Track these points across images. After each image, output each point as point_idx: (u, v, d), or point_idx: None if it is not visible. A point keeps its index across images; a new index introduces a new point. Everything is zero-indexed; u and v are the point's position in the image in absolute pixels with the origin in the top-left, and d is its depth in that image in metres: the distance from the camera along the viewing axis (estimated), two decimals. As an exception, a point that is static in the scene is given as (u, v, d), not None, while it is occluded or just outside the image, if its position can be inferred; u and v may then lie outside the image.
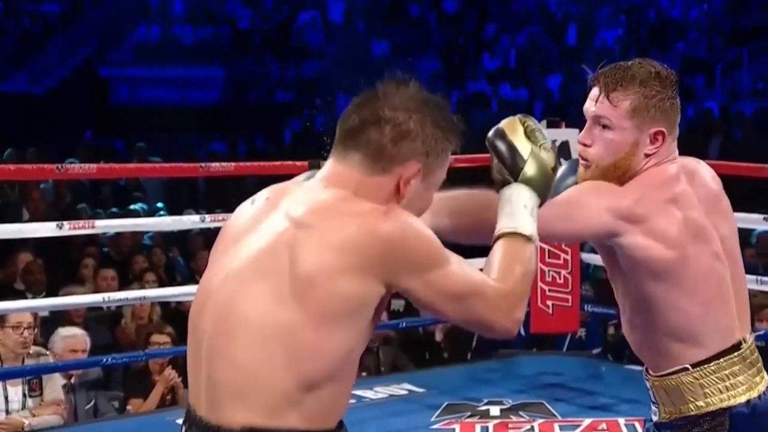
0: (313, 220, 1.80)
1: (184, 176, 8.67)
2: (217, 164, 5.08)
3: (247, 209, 1.93)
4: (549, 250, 5.65)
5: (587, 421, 4.66)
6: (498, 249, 1.93)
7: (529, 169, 2.00)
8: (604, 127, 2.22)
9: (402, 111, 1.86)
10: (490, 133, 2.10)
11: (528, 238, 1.93)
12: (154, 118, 15.06)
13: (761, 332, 5.50)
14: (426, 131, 1.86)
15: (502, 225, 1.96)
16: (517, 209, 1.97)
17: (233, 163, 5.34)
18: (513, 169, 2.01)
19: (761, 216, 5.20)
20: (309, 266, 1.77)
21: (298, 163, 5.26)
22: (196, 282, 6.84)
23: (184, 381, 5.32)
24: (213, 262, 1.90)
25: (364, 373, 6.17)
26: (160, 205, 9.78)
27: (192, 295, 5.72)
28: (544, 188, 2.01)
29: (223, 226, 1.97)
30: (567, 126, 6.22)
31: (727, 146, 10.92)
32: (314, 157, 5.91)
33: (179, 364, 5.39)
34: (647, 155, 2.23)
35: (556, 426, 4.62)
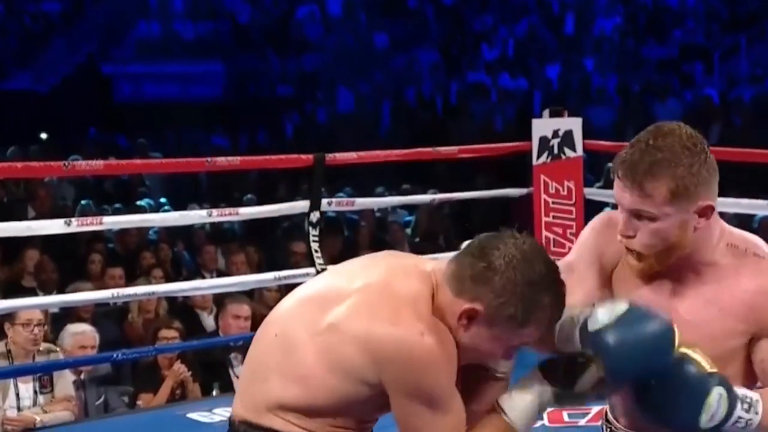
0: (369, 293, 1.98)
1: (190, 171, 8.64)
2: (223, 159, 5.06)
3: (365, 258, 2.15)
4: (554, 239, 5.63)
5: (596, 409, 4.64)
6: (495, 424, 2.00)
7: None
8: (648, 219, 2.03)
9: (506, 261, 1.93)
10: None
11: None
12: (156, 114, 15.03)
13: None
14: (505, 286, 1.92)
15: (512, 413, 2.00)
16: (525, 403, 2.00)
17: (239, 158, 5.32)
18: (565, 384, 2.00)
19: (766, 201, 5.18)
20: (339, 318, 1.97)
21: (303, 156, 5.24)
22: (202, 276, 6.88)
23: (193, 375, 5.32)
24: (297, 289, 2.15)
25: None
26: (163, 200, 9.76)
27: (199, 290, 5.72)
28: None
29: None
30: (569, 115, 6.20)
31: (727, 132, 10.90)
32: (316, 150, 5.91)
33: (188, 358, 5.39)
34: (697, 228, 2.06)
35: (564, 414, 4.60)
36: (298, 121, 14.99)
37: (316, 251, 5.34)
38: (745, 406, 1.97)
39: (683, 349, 1.97)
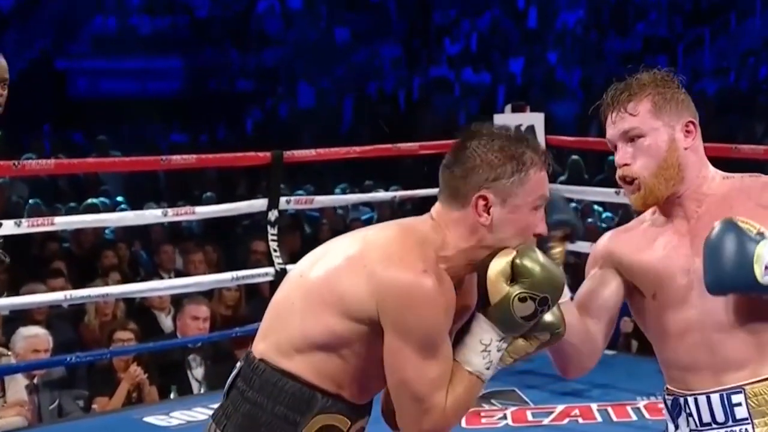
0: (380, 240, 2.06)
1: (145, 170, 8.57)
2: (178, 157, 5.00)
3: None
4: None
5: (560, 408, 4.65)
6: (458, 375, 2.06)
7: (495, 312, 2.05)
8: (636, 138, 2.18)
9: (470, 150, 2.07)
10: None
11: (482, 381, 2.08)
12: (113, 110, 14.92)
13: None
14: (488, 159, 2.05)
15: (462, 356, 2.06)
16: (472, 346, 2.06)
17: (194, 156, 5.26)
18: (482, 303, 2.07)
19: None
20: (351, 256, 2.05)
21: (260, 154, 5.18)
22: (160, 276, 6.82)
23: (150, 378, 5.26)
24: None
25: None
26: (120, 198, 9.67)
27: (155, 290, 5.64)
28: (507, 327, 2.06)
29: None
30: (532, 110, 6.19)
31: (691, 126, 10.94)
32: (276, 147, 5.86)
33: (144, 360, 5.33)
34: (686, 149, 2.18)
35: (528, 413, 4.60)
36: (259, 117, 14.94)
37: (275, 250, 5.31)
38: None
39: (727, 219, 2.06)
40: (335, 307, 2.03)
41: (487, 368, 2.07)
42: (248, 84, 15.83)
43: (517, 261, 2.04)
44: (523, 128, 5.98)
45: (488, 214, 2.05)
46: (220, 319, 6.12)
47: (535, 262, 2.04)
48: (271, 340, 2.09)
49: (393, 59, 15.72)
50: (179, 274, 6.89)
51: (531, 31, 15.68)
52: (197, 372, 5.49)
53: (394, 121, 12.82)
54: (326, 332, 2.04)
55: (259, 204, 5.42)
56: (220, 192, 9.82)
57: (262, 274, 5.46)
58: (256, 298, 6.58)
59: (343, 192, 9.61)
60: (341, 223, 9.09)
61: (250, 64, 16.13)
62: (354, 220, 9.01)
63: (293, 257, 6.96)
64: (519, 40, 15.39)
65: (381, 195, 7.25)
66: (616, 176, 2.22)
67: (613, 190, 5.69)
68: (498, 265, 2.04)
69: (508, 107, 6.15)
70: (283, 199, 5.43)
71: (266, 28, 16.75)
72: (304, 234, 8.61)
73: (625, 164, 2.19)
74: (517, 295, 2.02)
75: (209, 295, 6.11)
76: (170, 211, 5.16)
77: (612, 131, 2.21)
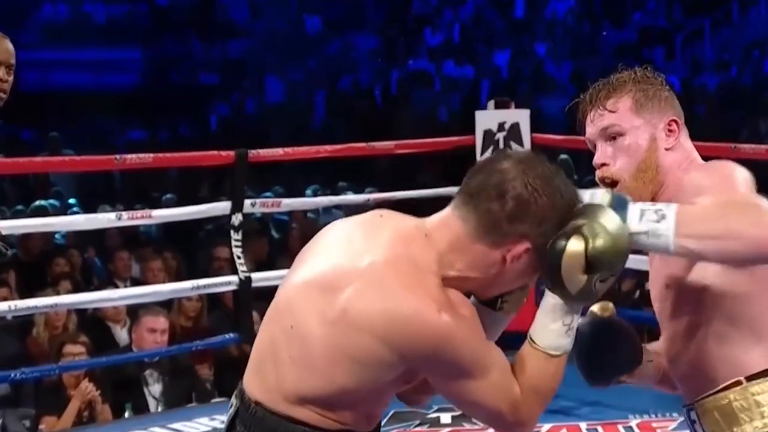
0: (375, 274, 2.00)
1: (98, 170, 8.55)
2: (133, 156, 5.00)
3: (350, 220, 2.19)
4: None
5: (546, 427, 4.66)
6: (536, 363, 2.07)
7: (573, 296, 2.05)
8: (616, 136, 2.20)
9: (523, 188, 2.00)
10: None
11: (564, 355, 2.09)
12: (66, 104, 14.87)
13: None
14: (542, 213, 2.00)
15: (545, 341, 2.07)
16: (552, 325, 2.07)
17: (151, 155, 5.25)
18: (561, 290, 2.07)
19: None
20: (349, 306, 1.99)
21: (223, 153, 5.19)
22: (115, 285, 6.80)
23: (103, 395, 5.25)
24: (298, 262, 2.16)
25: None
26: (72, 200, 9.64)
27: (109, 301, 5.62)
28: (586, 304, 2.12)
29: (323, 229, 2.21)
30: (517, 106, 6.22)
31: (690, 124, 10.94)
32: (243, 145, 5.85)
33: (97, 376, 5.31)
34: (668, 149, 2.21)
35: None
36: (224, 113, 14.92)
37: (239, 257, 5.31)
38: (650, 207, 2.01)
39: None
40: (344, 369, 2.01)
41: (571, 342, 2.10)
42: (212, 77, 15.79)
43: (592, 251, 2.00)
44: (507, 126, 6.06)
45: (518, 263, 2.04)
46: (180, 331, 6.12)
47: (608, 242, 2.00)
48: (266, 383, 2.09)
49: (369, 51, 15.72)
50: (136, 282, 6.87)
51: (518, 21, 15.71)
52: (154, 389, 5.48)
53: (369, 117, 12.82)
54: (333, 389, 2.03)
55: (221, 207, 5.42)
56: (182, 194, 9.80)
57: (224, 282, 5.46)
58: (219, 309, 6.57)
59: (315, 194, 9.62)
60: (312, 227, 9.08)
61: (215, 55, 16.10)
62: (326, 225, 9.00)
63: (259, 264, 6.98)
64: (505, 31, 15.41)
65: (353, 197, 7.25)
66: (596, 177, 2.24)
67: (604, 190, 5.70)
68: (571, 258, 2.00)
69: (491, 103, 6.18)
70: (247, 202, 5.43)
71: (232, 17, 16.73)
72: (272, 239, 8.60)
73: (604, 164, 2.22)
74: (597, 279, 2.02)
75: (168, 305, 6.11)
76: (126, 214, 5.16)
77: (591, 129, 2.24)
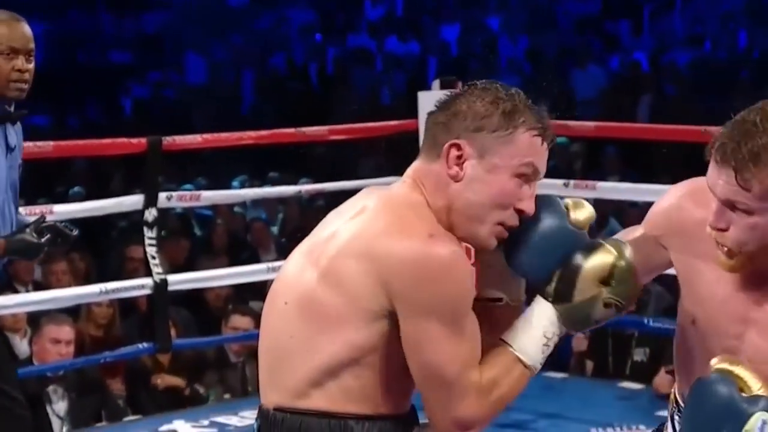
0: (370, 214, 2.15)
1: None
2: (31, 144, 4.92)
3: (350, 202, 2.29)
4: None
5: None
6: (504, 360, 2.16)
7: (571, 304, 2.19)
8: (742, 211, 2.14)
9: (460, 97, 2.18)
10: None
11: (532, 373, 2.18)
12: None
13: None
14: (475, 107, 2.15)
15: (519, 344, 2.17)
16: (532, 334, 2.17)
17: (51, 143, 5.18)
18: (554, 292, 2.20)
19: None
20: (341, 243, 2.13)
21: (134, 141, 5.15)
22: (15, 290, 6.71)
23: (0, 415, 5.19)
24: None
25: (227, 395, 6.12)
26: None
27: (9, 307, 5.53)
28: (575, 325, 2.23)
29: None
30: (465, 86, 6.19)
31: (659, 105, 11.07)
32: (162, 131, 5.80)
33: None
34: None
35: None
36: (140, 95, 14.82)
37: (153, 257, 5.27)
38: None
39: (725, 365, 2.09)
40: (344, 318, 2.10)
41: (542, 363, 2.18)
42: (125, 55, 15.68)
43: (619, 264, 2.18)
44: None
45: (460, 168, 2.15)
46: (89, 340, 6.08)
47: (632, 268, 2.19)
48: (280, 387, 2.17)
49: (303, 25, 15.68)
50: (38, 287, 6.81)
51: (468, -9, 15.74)
52: (59, 407, 5.45)
53: (304, 100, 12.79)
54: (345, 349, 2.11)
55: (132, 201, 5.38)
56: (91, 187, 9.71)
57: (137, 286, 5.41)
58: (133, 316, 6.52)
59: (243, 185, 9.58)
60: (240, 222, 9.06)
61: (128, 31, 15.99)
62: (255, 220, 8.98)
63: (179, 266, 6.93)
64: (454, 3, 15.44)
65: (282, 189, 7.22)
66: (707, 228, 2.20)
67: (561, 181, 5.71)
68: (597, 263, 2.17)
69: (436, 83, 6.15)
70: (162, 195, 5.39)
71: (147, -13, 16.65)
72: (194, 237, 8.56)
73: (719, 229, 2.17)
74: (605, 299, 2.17)
75: (75, 312, 6.05)
76: (24, 210, 5.07)
77: (714, 185, 2.15)
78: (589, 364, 6.12)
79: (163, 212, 6.01)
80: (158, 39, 15.60)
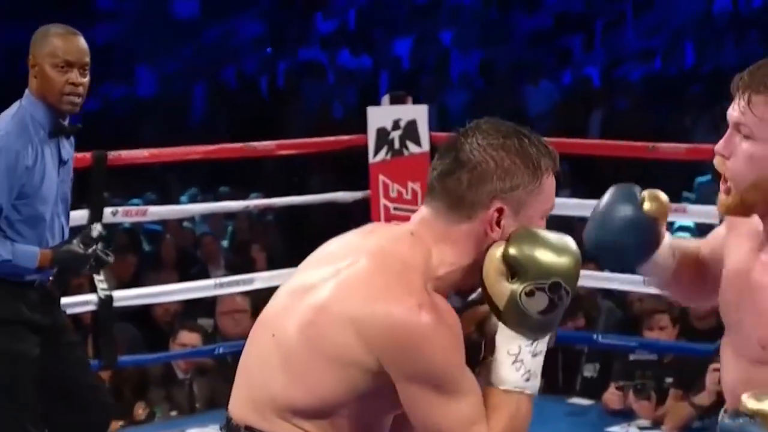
0: (358, 270, 2.16)
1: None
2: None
3: (344, 236, 2.33)
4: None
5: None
6: (495, 401, 2.15)
7: (510, 318, 2.16)
8: (745, 137, 2.25)
9: (477, 152, 2.18)
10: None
11: (528, 395, 2.16)
12: None
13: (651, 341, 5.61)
14: (504, 166, 2.18)
15: (495, 378, 2.17)
16: (501, 363, 2.16)
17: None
18: (496, 312, 2.19)
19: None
20: (328, 301, 2.15)
21: (79, 155, 5.09)
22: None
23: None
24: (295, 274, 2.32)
25: (174, 412, 6.06)
26: None
27: None
28: (534, 331, 2.17)
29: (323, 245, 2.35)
30: (416, 101, 6.20)
31: (611, 119, 11.10)
32: (111, 144, 5.74)
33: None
34: None
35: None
36: (88, 108, 14.71)
37: (98, 274, 5.22)
38: None
39: (753, 403, 2.03)
40: (324, 371, 2.13)
41: (527, 380, 2.15)
42: (74, 67, 15.59)
43: (509, 252, 2.15)
44: (402, 123, 6.04)
45: (499, 227, 2.18)
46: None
47: (529, 246, 2.15)
48: (254, 403, 2.22)
49: (254, 38, 15.65)
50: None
51: (420, 5, 15.75)
52: None
53: (255, 113, 12.75)
54: (315, 401, 2.15)
55: (77, 216, 5.32)
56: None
57: (81, 302, 5.36)
58: (78, 332, 6.45)
59: (193, 200, 9.52)
60: (189, 238, 9.00)
61: (76, 43, 15.88)
62: (204, 235, 8.94)
63: (126, 282, 6.87)
64: (406, 17, 15.44)
65: (230, 204, 7.18)
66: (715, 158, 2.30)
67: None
68: (490, 264, 2.16)
69: (386, 98, 6.16)
70: (108, 211, 5.35)
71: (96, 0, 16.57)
72: (143, 252, 8.50)
73: (721, 154, 2.28)
74: (522, 291, 2.14)
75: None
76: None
77: (731, 111, 2.28)
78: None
79: (110, 228, 5.96)
80: (108, 51, 15.52)
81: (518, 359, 2.15)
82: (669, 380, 5.53)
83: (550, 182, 2.23)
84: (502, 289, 2.14)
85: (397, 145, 6.01)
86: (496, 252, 2.15)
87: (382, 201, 6.01)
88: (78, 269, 4.13)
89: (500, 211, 2.17)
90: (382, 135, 6.02)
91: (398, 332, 2.08)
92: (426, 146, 6.02)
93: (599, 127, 10.92)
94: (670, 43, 13.67)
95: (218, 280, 5.90)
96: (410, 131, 6.02)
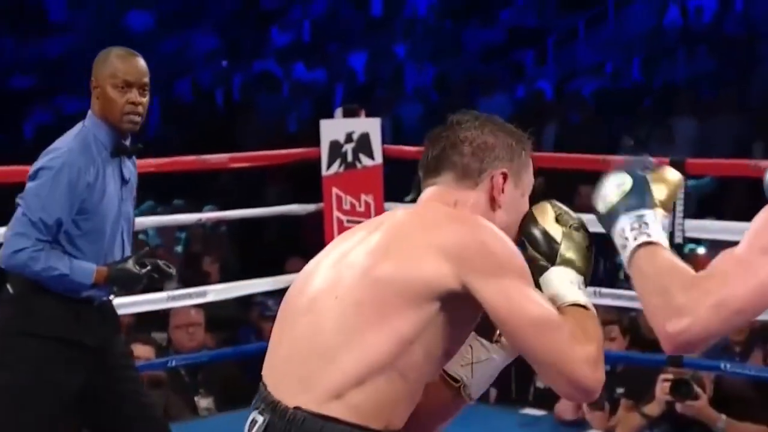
0: (405, 229, 2.31)
1: None
2: None
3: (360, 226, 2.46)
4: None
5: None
6: (577, 315, 2.29)
7: (566, 251, 2.37)
8: None
9: (472, 131, 2.41)
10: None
11: (587, 308, 2.30)
12: None
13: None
14: (500, 140, 2.42)
15: (577, 297, 2.32)
16: (565, 286, 2.33)
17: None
18: (549, 254, 2.38)
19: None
20: (384, 243, 2.28)
21: (28, 168, 5.06)
22: None
23: None
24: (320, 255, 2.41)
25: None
26: None
27: None
28: (584, 267, 2.38)
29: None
30: (369, 114, 6.23)
31: (563, 133, 11.15)
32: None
33: None
34: None
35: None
36: (42, 120, 14.64)
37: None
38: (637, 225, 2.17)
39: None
40: (400, 308, 2.21)
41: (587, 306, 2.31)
42: (27, 80, 15.49)
43: (555, 203, 2.45)
44: (355, 136, 6.07)
45: (504, 193, 2.40)
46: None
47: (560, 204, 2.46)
48: (307, 386, 2.24)
49: (208, 51, 15.61)
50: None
51: (375, 19, 15.78)
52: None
53: (209, 126, 12.73)
54: (392, 341, 2.21)
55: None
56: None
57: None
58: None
59: (153, 211, 9.48)
60: (142, 249, 8.95)
61: (29, 55, 15.81)
62: (158, 247, 8.90)
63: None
64: (361, 30, 15.47)
65: (183, 217, 7.16)
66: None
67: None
68: (543, 213, 2.42)
69: (339, 111, 6.19)
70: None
71: (49, 11, 16.47)
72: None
73: None
74: (571, 225, 2.40)
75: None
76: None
77: None
78: (493, 391, 6.13)
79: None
80: (61, 63, 15.45)
81: (580, 287, 2.33)
82: (620, 390, 5.57)
83: (529, 157, 2.46)
84: (556, 227, 2.38)
85: (350, 157, 6.04)
86: (547, 205, 2.42)
87: (336, 213, 6.03)
88: (131, 288, 4.16)
89: (504, 176, 2.39)
90: (335, 148, 6.04)
91: (469, 238, 2.24)
92: (379, 159, 6.05)
93: (552, 140, 10.98)
94: (622, 58, 13.77)
95: (171, 293, 5.88)
96: (363, 144, 6.05)
